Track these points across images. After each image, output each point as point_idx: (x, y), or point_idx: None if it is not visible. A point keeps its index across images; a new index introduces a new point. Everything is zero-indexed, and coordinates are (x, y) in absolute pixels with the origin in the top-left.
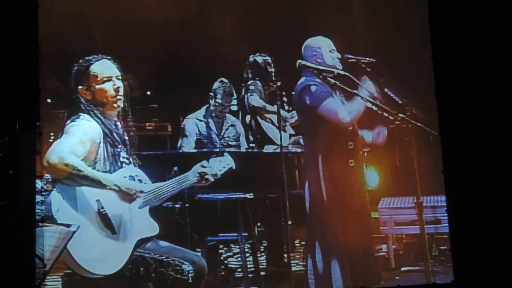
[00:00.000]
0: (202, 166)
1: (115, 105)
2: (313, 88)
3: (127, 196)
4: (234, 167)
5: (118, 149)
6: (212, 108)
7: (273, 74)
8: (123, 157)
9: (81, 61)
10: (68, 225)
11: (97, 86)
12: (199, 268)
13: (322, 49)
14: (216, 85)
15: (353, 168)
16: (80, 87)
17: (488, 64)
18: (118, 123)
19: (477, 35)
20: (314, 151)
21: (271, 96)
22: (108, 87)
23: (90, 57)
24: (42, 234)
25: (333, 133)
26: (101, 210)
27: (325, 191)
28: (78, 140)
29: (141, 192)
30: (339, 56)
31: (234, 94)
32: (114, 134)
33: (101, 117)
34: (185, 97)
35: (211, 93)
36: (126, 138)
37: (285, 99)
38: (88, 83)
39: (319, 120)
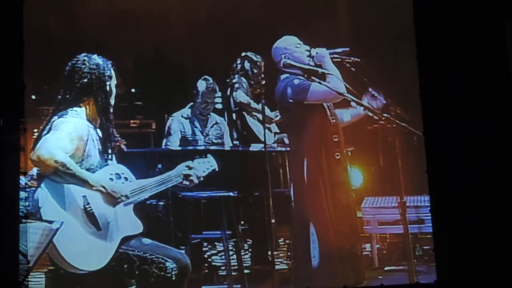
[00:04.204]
0: (188, 167)
1: (111, 109)
2: (296, 81)
3: (112, 198)
4: (217, 169)
5: (105, 147)
6: (196, 106)
7: (259, 74)
8: (109, 154)
9: (98, 57)
10: (51, 222)
11: (113, 89)
12: (183, 265)
13: (289, 48)
14: (199, 83)
15: (339, 162)
16: (108, 82)
17: (472, 65)
18: (104, 120)
19: (462, 36)
20: (299, 148)
21: (256, 96)
22: (114, 92)
23: (104, 59)
24: (26, 231)
25: (317, 128)
26: (87, 206)
27: (313, 188)
28: (68, 136)
29: (126, 197)
30: (307, 48)
31: (218, 91)
32: (103, 132)
33: (100, 115)
34: (169, 94)
35: (195, 91)
36: (113, 135)
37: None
38: (110, 84)
39: (303, 115)
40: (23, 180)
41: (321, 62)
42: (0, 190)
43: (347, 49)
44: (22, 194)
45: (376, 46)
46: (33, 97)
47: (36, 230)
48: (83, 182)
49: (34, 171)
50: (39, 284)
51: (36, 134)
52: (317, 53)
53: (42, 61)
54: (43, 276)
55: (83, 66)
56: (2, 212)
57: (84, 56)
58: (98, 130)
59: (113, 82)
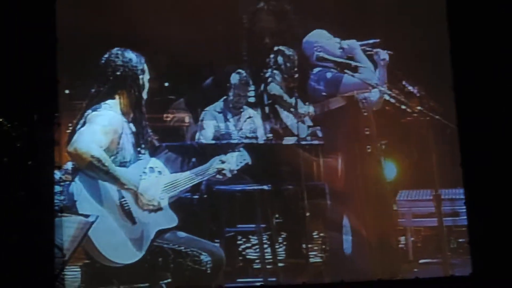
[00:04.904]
0: (221, 161)
1: (144, 103)
2: (328, 74)
3: (143, 200)
4: (250, 162)
5: (138, 140)
6: (229, 99)
7: (293, 68)
8: (142, 148)
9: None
10: (87, 216)
11: (146, 83)
12: (217, 259)
13: (320, 41)
14: (232, 76)
15: (371, 155)
16: (141, 76)
17: (506, 57)
18: (136, 114)
19: (495, 28)
20: (333, 141)
21: (289, 90)
22: (147, 86)
23: (136, 53)
24: (61, 224)
25: (349, 121)
26: (122, 200)
27: (347, 180)
28: (102, 129)
29: (158, 203)
30: (338, 41)
31: (251, 84)
32: (135, 125)
33: (132, 109)
34: (202, 88)
35: (228, 85)
36: (146, 129)
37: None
38: (143, 77)
39: (336, 108)
40: (57, 174)
41: (352, 54)
42: (35, 184)
43: (378, 40)
44: (57, 188)
45: (409, 39)
46: (67, 91)
47: (72, 224)
48: (115, 181)
49: (69, 165)
50: (74, 278)
51: (70, 128)
52: (347, 45)
53: (75, 56)
54: (79, 269)
55: (116, 60)
56: (38, 206)
57: (117, 50)
58: (131, 124)
59: (146, 76)
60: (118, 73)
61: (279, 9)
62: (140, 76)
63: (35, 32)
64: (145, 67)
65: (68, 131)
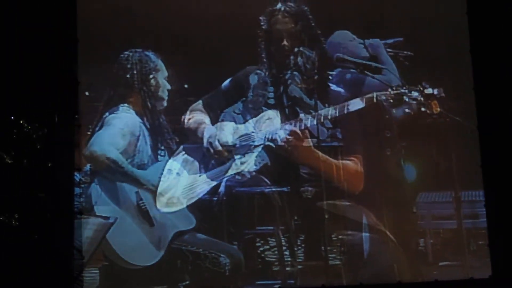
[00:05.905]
0: (240, 162)
1: (163, 102)
2: (348, 75)
3: (163, 199)
4: (269, 163)
5: (156, 142)
6: (248, 100)
7: (313, 69)
8: (160, 150)
9: (139, 52)
10: (106, 217)
11: (160, 81)
12: (236, 261)
13: (343, 42)
14: (251, 77)
15: (391, 157)
16: (151, 76)
17: None
18: (148, 114)
19: None
20: (352, 143)
21: (309, 91)
22: (165, 85)
23: (150, 53)
24: (80, 226)
25: (370, 123)
26: (140, 202)
27: (366, 183)
28: (119, 132)
29: (177, 199)
30: (361, 41)
31: (269, 85)
32: (152, 127)
33: (146, 110)
34: (221, 90)
35: (247, 85)
36: (164, 131)
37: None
38: (156, 76)
39: (355, 110)
40: (77, 176)
41: (376, 53)
42: (55, 186)
43: (401, 39)
44: (77, 190)
45: (430, 39)
46: (87, 93)
47: (90, 225)
48: (134, 181)
49: (88, 167)
50: (93, 280)
51: (90, 130)
52: (371, 43)
53: (96, 58)
54: (97, 271)
55: (127, 61)
56: (58, 208)
57: (129, 51)
58: (149, 125)
59: (161, 74)
60: (128, 75)
61: (297, 10)
62: (151, 76)
63: (55, 34)
64: (160, 66)
65: (88, 132)
